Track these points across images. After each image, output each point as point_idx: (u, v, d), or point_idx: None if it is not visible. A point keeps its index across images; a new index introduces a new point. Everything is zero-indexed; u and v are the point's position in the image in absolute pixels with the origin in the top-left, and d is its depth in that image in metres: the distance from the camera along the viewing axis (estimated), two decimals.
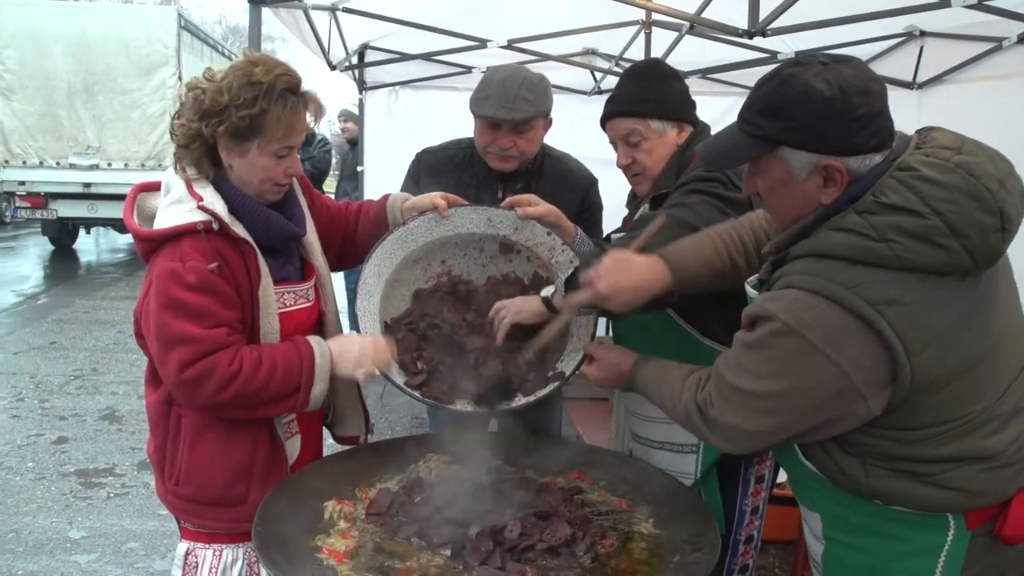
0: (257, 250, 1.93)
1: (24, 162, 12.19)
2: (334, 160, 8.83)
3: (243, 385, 1.84)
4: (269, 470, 2.01)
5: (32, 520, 4.22)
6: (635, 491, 2.06)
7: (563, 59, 5.69)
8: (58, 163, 12.22)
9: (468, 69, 5.94)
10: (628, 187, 2.38)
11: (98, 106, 12.12)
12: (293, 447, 2.10)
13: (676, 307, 2.06)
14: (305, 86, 1.93)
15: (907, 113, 4.72)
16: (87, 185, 12.28)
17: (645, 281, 1.79)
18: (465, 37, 5.39)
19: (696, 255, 1.83)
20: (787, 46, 4.89)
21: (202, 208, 1.85)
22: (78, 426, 5.65)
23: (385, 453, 2.19)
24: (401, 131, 6.17)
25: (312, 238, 2.15)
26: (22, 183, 12.30)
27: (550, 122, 2.65)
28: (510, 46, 5.23)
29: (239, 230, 1.90)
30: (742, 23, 3.50)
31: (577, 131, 3.77)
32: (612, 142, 2.25)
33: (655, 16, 4.72)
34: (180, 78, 11.70)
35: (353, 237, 2.35)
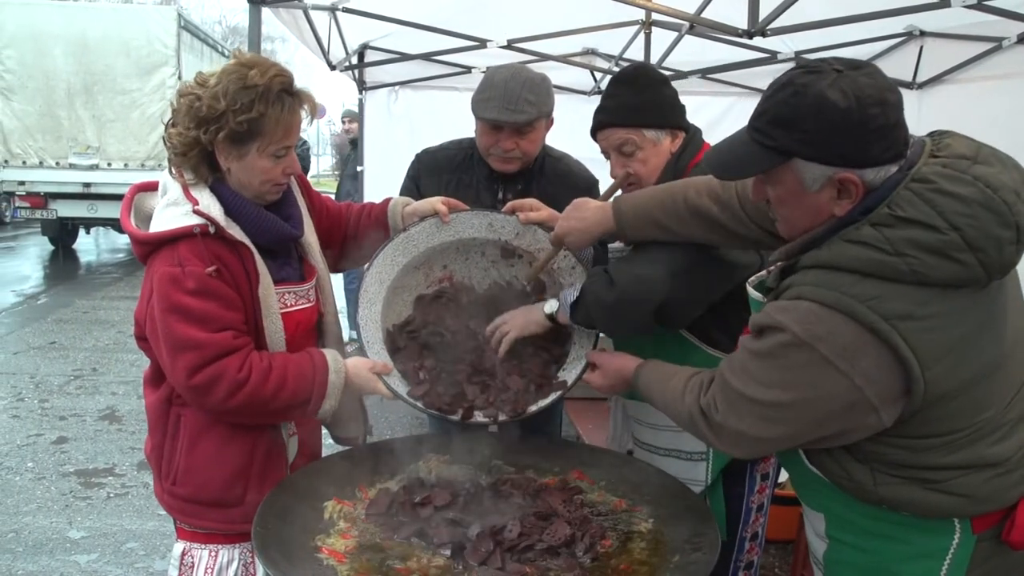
0: (254, 252, 1.92)
1: (24, 162, 12.18)
2: (333, 160, 8.82)
3: (252, 393, 1.84)
4: (267, 472, 2.00)
5: (32, 520, 4.22)
6: (635, 491, 2.05)
7: (563, 59, 5.70)
8: (58, 163, 12.21)
9: (468, 69, 5.94)
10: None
11: (98, 106, 12.12)
12: (290, 448, 2.10)
13: None
14: (299, 84, 1.92)
15: (907, 113, 4.70)
16: (87, 185, 12.28)
17: (590, 222, 2.06)
18: (465, 37, 5.39)
19: (641, 207, 1.97)
20: (787, 46, 4.90)
21: (198, 212, 1.84)
22: (78, 426, 5.65)
23: (385, 453, 2.19)
24: (401, 131, 6.18)
25: (311, 239, 2.14)
26: (22, 183, 12.30)
27: (552, 122, 2.64)
28: (510, 46, 5.23)
29: (235, 233, 1.89)
30: (742, 23, 3.50)
31: (577, 131, 3.75)
32: (604, 151, 2.22)
33: (655, 16, 4.72)
34: (180, 78, 11.70)
35: (354, 239, 2.35)
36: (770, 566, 3.85)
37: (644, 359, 1.90)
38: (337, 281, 3.21)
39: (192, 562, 2.04)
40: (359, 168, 6.59)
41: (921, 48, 4.84)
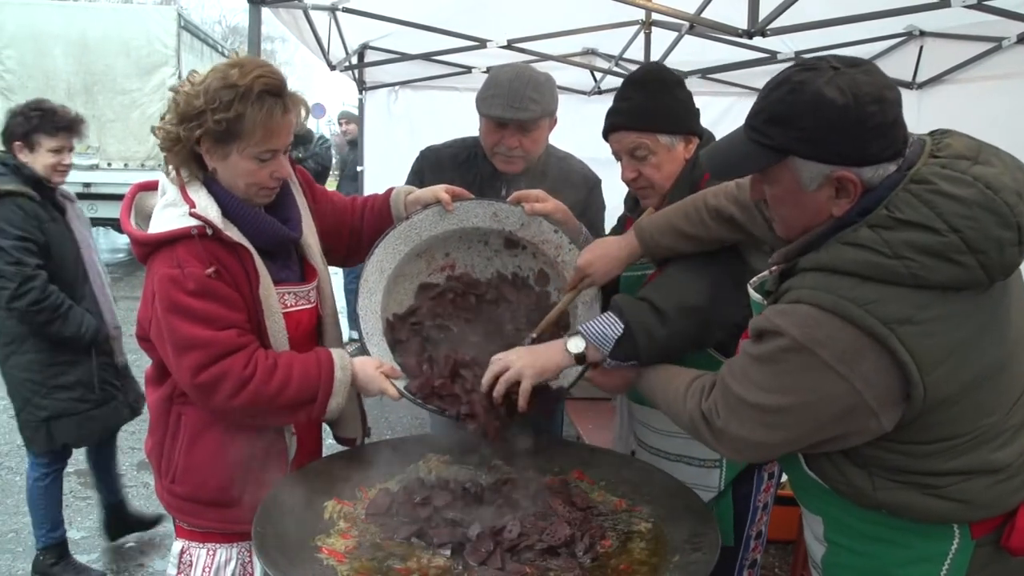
0: (253, 253, 1.92)
1: None
2: (334, 160, 8.84)
3: (257, 389, 1.83)
4: (266, 472, 2.00)
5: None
6: (635, 491, 2.05)
7: (563, 59, 5.69)
8: None
9: (468, 69, 5.94)
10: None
11: (98, 106, 12.10)
12: (291, 448, 2.09)
13: None
14: (292, 87, 1.90)
15: (906, 113, 4.68)
16: (87, 185, 12.26)
17: (615, 252, 2.05)
18: (465, 37, 5.39)
19: (666, 222, 1.97)
20: (787, 46, 4.90)
21: (194, 215, 1.83)
22: None
23: (385, 453, 2.19)
24: (401, 131, 6.18)
25: (311, 240, 2.13)
26: None
27: (555, 121, 2.65)
28: (510, 46, 5.23)
29: (233, 234, 1.88)
30: (742, 23, 3.50)
31: (577, 131, 3.76)
32: (615, 154, 2.17)
33: (655, 16, 4.72)
34: (180, 78, 11.63)
35: (360, 232, 2.33)
36: (770, 566, 3.85)
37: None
38: (337, 281, 3.20)
39: (190, 560, 2.05)
40: (359, 168, 6.59)
41: (921, 48, 4.84)
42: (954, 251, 1.31)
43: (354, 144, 7.76)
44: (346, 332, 2.49)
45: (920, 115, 4.80)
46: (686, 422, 1.66)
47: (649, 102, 2.06)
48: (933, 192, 1.34)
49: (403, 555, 1.76)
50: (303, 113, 1.94)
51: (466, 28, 5.33)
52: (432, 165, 2.74)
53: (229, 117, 1.79)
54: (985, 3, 3.28)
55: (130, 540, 4.05)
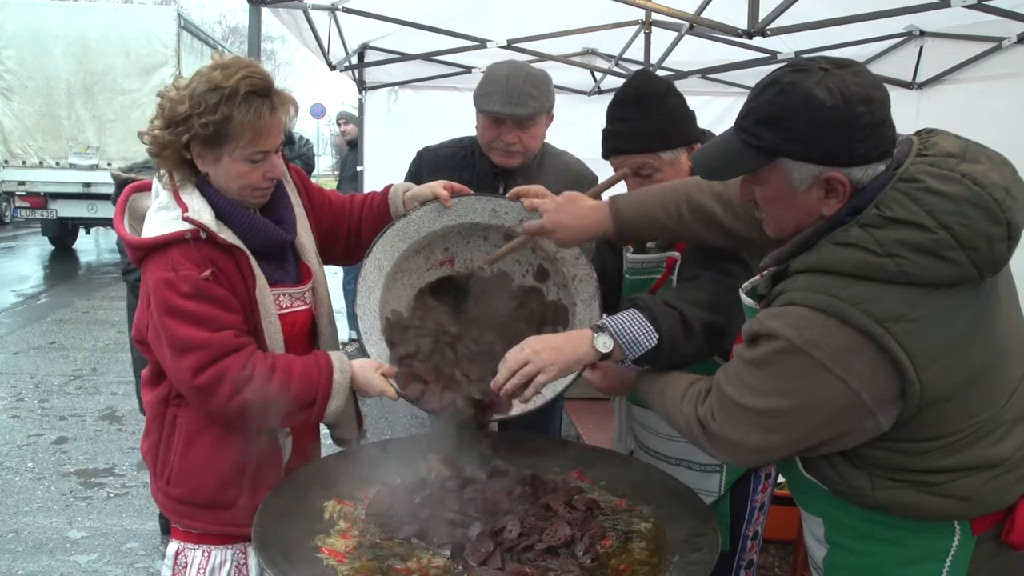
0: (248, 254, 1.91)
1: (24, 162, 12.20)
2: (332, 161, 8.83)
3: (256, 391, 1.82)
4: (261, 475, 1.99)
5: (32, 520, 4.22)
6: (635, 491, 2.05)
7: (563, 59, 5.69)
8: (58, 163, 12.23)
9: (468, 69, 5.95)
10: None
11: (98, 106, 12.13)
12: (285, 449, 2.09)
13: None
14: (288, 86, 1.89)
15: (906, 113, 4.72)
16: (87, 185, 12.29)
17: (585, 222, 1.97)
18: (465, 37, 5.39)
19: (641, 204, 1.92)
20: (787, 46, 4.90)
21: (187, 219, 1.82)
22: (78, 426, 5.65)
23: (385, 453, 2.19)
24: (401, 131, 6.17)
25: (306, 240, 2.12)
26: (22, 183, 12.32)
27: (551, 117, 2.66)
28: (510, 46, 5.23)
29: (227, 236, 1.87)
30: (742, 23, 3.51)
31: (577, 131, 3.77)
32: (617, 171, 2.14)
33: (655, 16, 4.72)
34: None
35: (358, 230, 2.32)
36: (770, 566, 3.85)
37: None
38: (336, 281, 3.20)
39: (185, 562, 2.05)
40: (359, 168, 6.59)
41: (921, 48, 4.83)
42: (945, 248, 1.31)
43: (353, 144, 7.76)
44: (344, 333, 2.48)
45: (920, 115, 4.79)
46: (683, 427, 1.65)
47: (646, 122, 2.04)
48: (922, 190, 1.34)
49: (403, 555, 1.76)
50: (292, 111, 1.91)
51: (466, 28, 5.34)
52: (429, 165, 2.74)
53: (216, 120, 1.77)
54: (985, 3, 3.28)
55: (130, 540, 4.04)
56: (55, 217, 12.65)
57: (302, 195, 2.18)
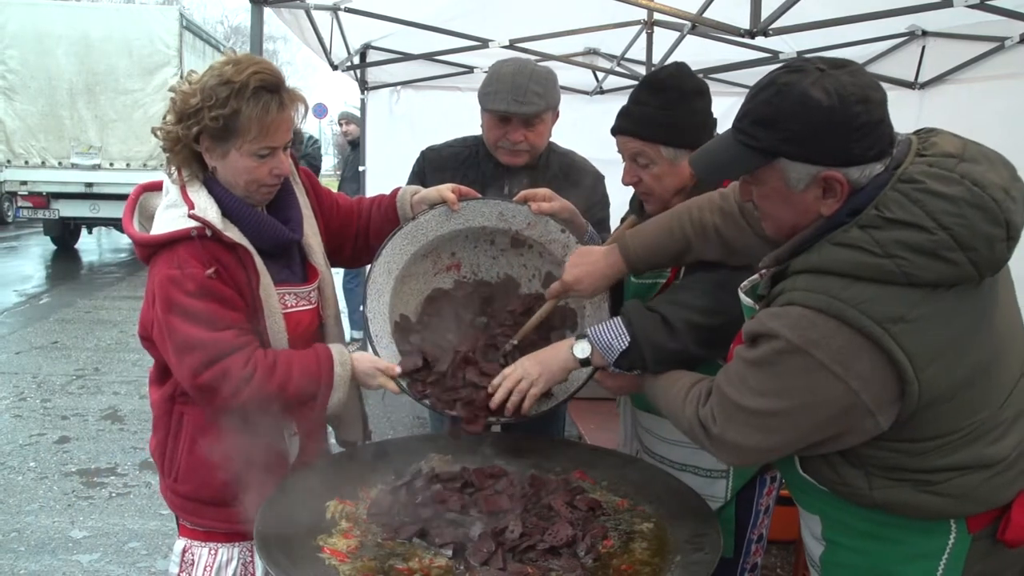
0: (253, 253, 1.92)
1: (26, 162, 12.22)
2: (335, 161, 8.84)
3: (258, 388, 1.83)
4: (267, 472, 2.00)
5: (34, 520, 4.23)
6: (637, 491, 2.05)
7: (565, 59, 5.69)
8: (60, 163, 12.25)
9: (470, 69, 5.95)
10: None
11: (100, 106, 12.15)
12: (291, 450, 2.10)
13: None
14: (290, 83, 1.90)
15: (908, 113, 4.72)
16: (89, 185, 12.31)
17: (601, 267, 2.01)
18: (467, 37, 5.39)
19: (649, 238, 1.95)
20: (789, 46, 4.89)
21: (193, 216, 1.83)
22: (80, 426, 5.66)
23: (386, 453, 2.19)
24: (403, 131, 6.17)
25: (313, 240, 2.13)
26: (24, 183, 12.35)
27: (557, 115, 2.65)
28: (512, 46, 5.23)
29: (233, 235, 1.88)
30: (744, 23, 3.50)
31: (579, 131, 3.77)
32: (620, 152, 2.13)
33: (657, 16, 4.72)
34: (182, 78, 11.70)
35: (366, 233, 2.32)
36: (772, 566, 3.84)
37: None
38: (336, 281, 3.19)
39: (192, 559, 2.06)
40: (360, 168, 6.59)
41: (923, 48, 4.83)
42: (944, 248, 1.32)
43: (355, 144, 7.76)
44: (347, 332, 2.48)
45: (922, 115, 4.79)
46: (685, 428, 1.66)
47: (660, 112, 2.01)
48: (922, 191, 1.35)
49: (405, 555, 1.76)
50: (301, 109, 1.93)
51: (468, 28, 5.34)
52: (433, 165, 2.73)
53: (225, 114, 1.80)
54: (988, 3, 3.28)
55: (132, 540, 4.05)
56: (57, 217, 12.67)
57: (311, 196, 2.19)
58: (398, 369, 2.09)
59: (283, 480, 1.98)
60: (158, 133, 1.89)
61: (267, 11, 4.28)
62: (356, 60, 6.05)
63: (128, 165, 12.18)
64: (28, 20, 11.90)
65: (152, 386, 2.06)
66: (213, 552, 2.05)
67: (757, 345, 1.45)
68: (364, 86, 6.44)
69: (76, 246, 14.61)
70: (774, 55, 4.94)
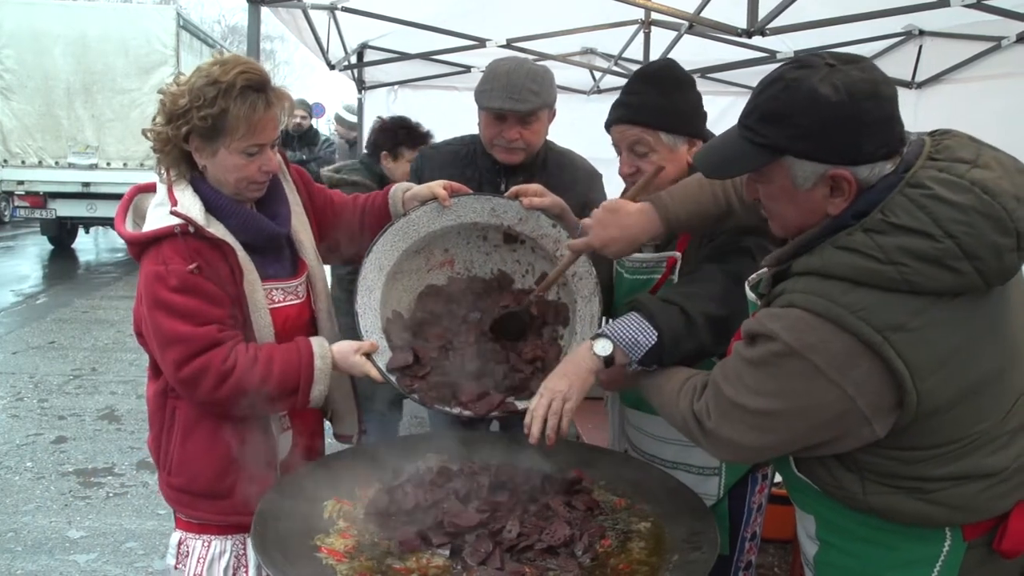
0: (236, 248, 1.94)
1: (23, 161, 12.18)
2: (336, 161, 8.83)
3: (239, 382, 1.87)
4: (258, 464, 2.02)
5: (31, 520, 4.22)
6: (634, 490, 2.05)
7: (562, 58, 5.70)
8: (57, 163, 12.21)
9: (467, 68, 5.95)
10: None
11: (97, 106, 12.11)
12: (284, 442, 2.12)
13: None
14: (286, 84, 1.94)
15: (905, 112, 4.68)
16: (86, 185, 12.27)
17: (635, 230, 1.90)
18: (464, 37, 5.39)
19: (689, 200, 1.86)
20: (786, 45, 4.90)
21: (175, 213, 1.87)
22: (77, 426, 5.65)
23: (385, 452, 2.19)
24: None
25: (303, 235, 2.15)
26: (21, 183, 12.30)
27: (554, 113, 2.66)
28: (509, 45, 5.23)
29: (216, 231, 1.91)
30: (741, 22, 3.51)
31: (577, 130, 3.77)
32: (616, 146, 2.14)
33: (654, 15, 4.73)
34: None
35: (359, 231, 2.33)
36: (769, 566, 3.84)
37: None
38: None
39: (187, 551, 2.09)
40: None
41: (920, 47, 4.84)
42: (950, 257, 1.28)
43: (351, 144, 7.76)
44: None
45: (918, 115, 4.80)
46: (679, 422, 1.65)
47: (657, 99, 2.03)
48: (930, 197, 1.31)
49: (402, 555, 1.76)
50: (287, 107, 1.96)
51: (465, 28, 5.34)
52: (431, 163, 2.75)
53: (213, 113, 1.83)
54: (984, 2, 3.28)
55: (129, 540, 4.04)
56: (54, 217, 12.63)
57: (302, 193, 2.21)
58: (374, 344, 2.09)
59: (280, 479, 1.99)
60: (149, 135, 1.92)
61: (264, 10, 4.28)
62: (353, 59, 6.05)
63: (125, 165, 12.14)
64: (25, 19, 11.86)
65: (149, 382, 2.10)
66: (206, 544, 2.08)
67: (755, 344, 1.44)
68: (361, 85, 6.44)
69: (73, 246, 14.57)
70: (771, 54, 4.95)
